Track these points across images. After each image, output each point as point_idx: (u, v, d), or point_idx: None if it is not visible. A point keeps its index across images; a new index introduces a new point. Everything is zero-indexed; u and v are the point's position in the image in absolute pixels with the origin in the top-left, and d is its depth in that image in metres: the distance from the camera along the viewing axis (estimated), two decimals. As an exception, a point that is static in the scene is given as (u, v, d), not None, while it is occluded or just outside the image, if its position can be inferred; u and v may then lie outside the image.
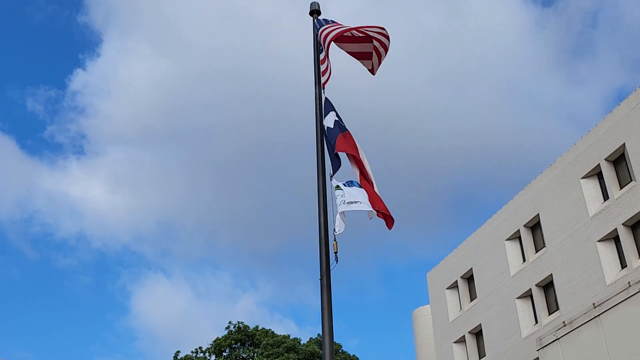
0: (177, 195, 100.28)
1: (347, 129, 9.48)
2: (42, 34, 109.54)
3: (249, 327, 46.46)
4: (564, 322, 18.68)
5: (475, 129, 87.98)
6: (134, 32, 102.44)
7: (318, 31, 10.56)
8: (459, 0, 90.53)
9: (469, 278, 37.99)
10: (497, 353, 34.01)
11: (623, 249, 28.09)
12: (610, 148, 29.24)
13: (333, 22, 10.65)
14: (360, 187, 8.94)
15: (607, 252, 28.93)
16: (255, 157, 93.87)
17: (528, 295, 33.19)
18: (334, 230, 8.67)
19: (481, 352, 35.90)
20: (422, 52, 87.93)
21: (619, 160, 29.41)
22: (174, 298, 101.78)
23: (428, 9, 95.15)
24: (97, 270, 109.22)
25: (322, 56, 10.51)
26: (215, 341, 45.93)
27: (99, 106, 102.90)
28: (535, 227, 33.73)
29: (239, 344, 46.15)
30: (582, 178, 30.63)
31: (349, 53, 10.63)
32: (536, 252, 33.20)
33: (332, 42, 10.25)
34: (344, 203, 8.63)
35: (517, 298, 33.37)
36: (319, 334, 46.80)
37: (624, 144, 28.58)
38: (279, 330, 49.06)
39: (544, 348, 19.18)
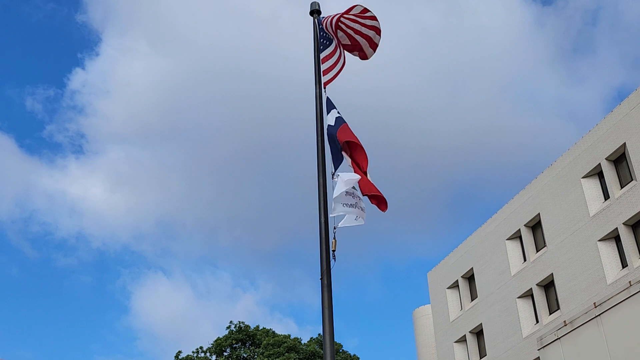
0: (176, 194, 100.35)
1: (345, 122, 9.48)
2: (40, 33, 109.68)
3: (249, 326, 46.43)
4: (564, 321, 18.66)
5: (475, 128, 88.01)
6: (133, 31, 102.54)
7: (322, 25, 10.57)
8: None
9: (470, 277, 37.98)
10: (497, 353, 34.00)
11: (624, 248, 28.08)
12: (611, 147, 29.22)
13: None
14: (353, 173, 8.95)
15: (608, 251, 28.92)
16: (255, 156, 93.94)
17: (529, 294, 33.18)
18: (334, 227, 8.67)
19: (482, 352, 35.89)
20: (422, 51, 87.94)
21: (619, 159, 29.40)
22: (174, 297, 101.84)
23: (427, 8, 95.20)
24: (97, 269, 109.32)
25: (325, 54, 10.47)
26: (216, 341, 45.90)
27: (97, 105, 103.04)
28: (536, 226, 33.72)
29: (239, 343, 46.13)
30: (582, 177, 30.62)
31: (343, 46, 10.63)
32: (537, 251, 33.19)
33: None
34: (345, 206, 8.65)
35: (518, 298, 33.36)
36: (319, 334, 46.78)
37: (625, 143, 28.57)
38: (279, 330, 49.09)
39: (545, 348, 19.16)
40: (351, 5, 10.39)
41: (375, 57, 10.73)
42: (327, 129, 9.55)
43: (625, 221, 28.11)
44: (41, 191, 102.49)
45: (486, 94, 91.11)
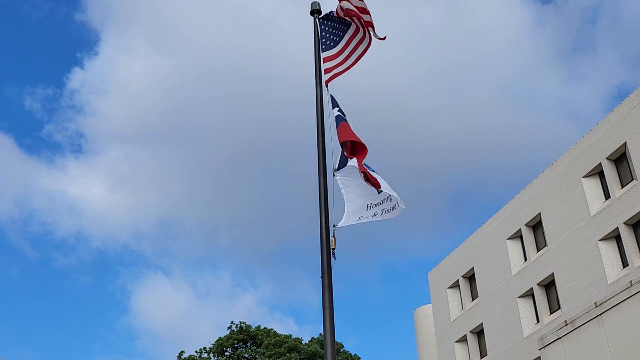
0: (176, 193, 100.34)
1: (344, 120, 9.48)
2: (39, 32, 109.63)
3: (251, 326, 46.45)
4: (565, 321, 18.65)
5: (475, 128, 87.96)
6: (132, 30, 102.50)
7: (336, 15, 10.59)
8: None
9: (471, 277, 37.97)
10: (498, 352, 34.00)
11: (624, 248, 28.08)
12: (612, 147, 29.22)
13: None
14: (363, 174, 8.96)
15: (609, 251, 28.92)
16: (255, 156, 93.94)
17: (529, 294, 33.18)
18: (334, 225, 8.67)
19: (483, 352, 35.89)
20: (421, 51, 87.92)
21: (620, 159, 29.39)
22: (174, 297, 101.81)
23: (427, 7, 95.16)
24: (97, 269, 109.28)
25: (329, 54, 10.45)
26: (217, 341, 45.93)
27: (97, 105, 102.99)
28: (536, 226, 33.72)
29: (241, 343, 46.15)
30: (583, 177, 30.61)
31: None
32: (537, 251, 33.19)
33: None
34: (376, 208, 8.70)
35: (519, 297, 33.36)
36: (320, 334, 46.79)
37: (625, 143, 28.57)
38: (279, 329, 49.00)
39: (546, 347, 19.16)
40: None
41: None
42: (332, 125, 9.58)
43: (626, 221, 28.10)
44: (41, 191, 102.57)
45: (486, 93, 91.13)
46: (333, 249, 8.51)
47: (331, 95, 9.95)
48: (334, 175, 9.14)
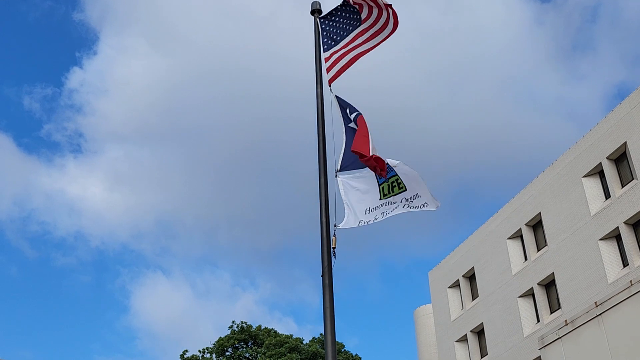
0: (176, 193, 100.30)
1: (355, 127, 9.43)
2: (38, 31, 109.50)
3: (252, 326, 46.46)
4: (565, 320, 18.66)
5: (474, 127, 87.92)
6: (131, 30, 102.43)
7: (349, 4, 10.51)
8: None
9: (471, 277, 37.98)
10: (499, 352, 34.01)
11: (625, 247, 28.08)
12: (612, 147, 29.23)
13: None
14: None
15: (609, 250, 28.92)
16: (254, 155, 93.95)
17: (530, 294, 33.19)
18: (334, 225, 8.67)
19: (483, 351, 35.90)
20: (420, 50, 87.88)
21: (620, 158, 29.40)
22: (174, 297, 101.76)
23: (426, 6, 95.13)
24: (96, 269, 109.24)
25: (332, 52, 10.42)
26: (218, 341, 45.94)
27: (96, 104, 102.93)
28: (536, 225, 33.72)
29: (242, 343, 46.16)
30: (583, 177, 30.62)
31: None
32: (538, 250, 33.19)
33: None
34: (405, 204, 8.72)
35: (519, 297, 33.36)
36: (321, 334, 46.79)
37: (626, 142, 28.57)
38: (279, 329, 49.01)
39: (546, 347, 19.17)
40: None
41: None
42: (348, 127, 9.53)
43: (626, 220, 28.11)
44: (40, 190, 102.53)
45: (486, 93, 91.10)
46: (333, 248, 8.51)
47: (336, 96, 9.90)
48: (336, 175, 9.14)
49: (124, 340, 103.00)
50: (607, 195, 29.66)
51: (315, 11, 10.93)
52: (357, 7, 10.51)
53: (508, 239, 34.94)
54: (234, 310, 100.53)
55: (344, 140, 9.43)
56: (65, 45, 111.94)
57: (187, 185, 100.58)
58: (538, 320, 32.44)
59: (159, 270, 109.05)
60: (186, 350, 46.22)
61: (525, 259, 33.91)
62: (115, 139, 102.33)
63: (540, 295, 32.35)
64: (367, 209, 8.93)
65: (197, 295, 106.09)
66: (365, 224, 8.82)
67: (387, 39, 10.35)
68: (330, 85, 10.07)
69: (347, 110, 9.61)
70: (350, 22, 10.57)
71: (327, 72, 10.22)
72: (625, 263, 28.36)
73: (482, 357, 35.81)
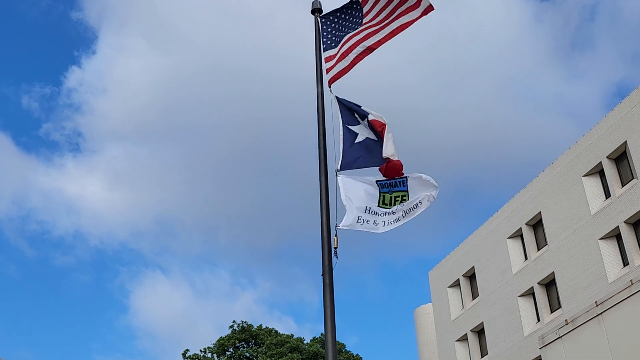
0: (175, 192, 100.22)
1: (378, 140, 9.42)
2: (36, 30, 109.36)
3: (252, 326, 46.48)
4: (566, 320, 18.66)
5: (474, 126, 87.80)
6: (130, 29, 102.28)
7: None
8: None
9: (471, 276, 37.99)
10: (499, 351, 34.02)
11: (625, 246, 28.09)
12: (612, 146, 29.23)
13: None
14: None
15: (609, 250, 28.93)
16: (254, 154, 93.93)
17: (530, 293, 33.19)
18: (336, 225, 8.66)
19: (483, 351, 35.91)
20: (419, 49, 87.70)
21: (620, 158, 29.41)
22: (173, 296, 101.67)
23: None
24: (95, 268, 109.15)
25: (331, 53, 10.40)
26: (219, 340, 45.95)
27: (94, 104, 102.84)
28: (537, 225, 33.73)
29: (242, 343, 46.18)
30: (583, 176, 30.62)
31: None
32: (538, 250, 33.20)
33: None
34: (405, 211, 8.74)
35: (519, 296, 33.37)
36: (322, 333, 46.80)
37: (626, 141, 28.58)
38: (278, 328, 49.02)
39: (547, 346, 19.17)
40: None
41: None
42: (342, 126, 9.52)
43: (627, 219, 28.11)
44: (38, 189, 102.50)
45: (485, 92, 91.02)
46: (335, 247, 8.50)
47: (337, 97, 9.87)
48: (336, 175, 9.13)
49: (124, 340, 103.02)
50: (608, 194, 29.66)
51: (316, 10, 10.93)
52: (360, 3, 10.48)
53: (508, 238, 34.95)
54: (233, 310, 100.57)
55: (342, 140, 9.42)
56: (63, 44, 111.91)
57: (187, 185, 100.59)
58: (538, 320, 32.45)
59: (158, 269, 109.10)
60: (187, 350, 46.28)
61: (526, 258, 33.92)
62: (114, 138, 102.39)
63: (541, 294, 32.36)
64: (367, 208, 8.90)
65: (197, 294, 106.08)
66: (365, 222, 8.78)
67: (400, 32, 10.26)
68: (330, 86, 10.06)
69: (355, 114, 9.58)
70: (351, 23, 10.55)
71: (327, 73, 10.20)
72: (625, 262, 28.37)
73: (482, 357, 35.82)
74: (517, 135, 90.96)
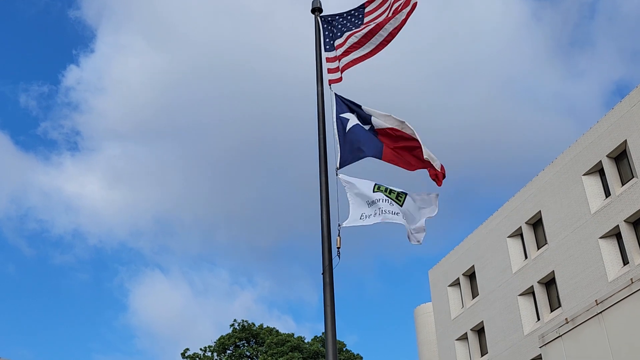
0: (174, 190, 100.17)
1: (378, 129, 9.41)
2: (34, 29, 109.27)
3: (254, 325, 46.47)
4: (566, 319, 18.67)
5: (474, 125, 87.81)
6: (128, 27, 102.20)
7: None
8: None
9: (471, 275, 38.00)
10: (499, 350, 34.03)
11: (625, 245, 28.10)
12: (612, 145, 29.24)
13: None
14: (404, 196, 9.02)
15: (609, 248, 28.94)
16: (253, 153, 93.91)
17: (530, 292, 33.21)
18: (339, 225, 8.64)
19: (483, 350, 35.92)
20: (419, 49, 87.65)
21: (620, 156, 29.41)
22: (172, 295, 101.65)
23: (423, 4, 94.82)
24: (94, 267, 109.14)
25: (331, 54, 10.40)
26: (219, 339, 45.95)
27: (93, 102, 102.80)
28: (537, 224, 33.73)
29: (243, 342, 46.19)
30: (583, 175, 30.62)
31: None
32: (538, 249, 33.21)
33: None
34: (389, 213, 8.71)
35: (519, 295, 33.38)
36: (323, 332, 46.80)
37: (626, 140, 28.58)
38: (277, 327, 49.04)
39: (547, 345, 19.17)
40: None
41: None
42: (346, 124, 9.51)
43: (627, 218, 28.12)
44: (37, 188, 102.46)
45: (485, 91, 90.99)
46: (338, 247, 8.49)
47: (336, 94, 9.87)
48: (336, 174, 9.13)
49: (123, 339, 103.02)
50: (607, 193, 29.66)
51: (316, 9, 10.93)
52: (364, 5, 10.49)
53: (508, 237, 34.96)
54: (233, 309, 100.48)
55: (336, 133, 9.42)
56: (62, 42, 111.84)
57: (186, 183, 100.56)
58: (538, 319, 32.46)
59: (157, 268, 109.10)
60: (187, 349, 46.26)
61: (526, 257, 33.93)
62: (113, 136, 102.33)
63: (541, 293, 32.37)
64: (369, 201, 8.91)
65: (196, 293, 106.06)
66: (367, 217, 8.78)
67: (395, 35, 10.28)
68: (330, 86, 10.06)
69: (361, 116, 9.58)
70: (352, 25, 10.55)
71: (329, 74, 10.20)
72: (625, 261, 28.38)
73: (482, 356, 35.83)
74: (516, 134, 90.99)
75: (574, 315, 18.52)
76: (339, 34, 10.53)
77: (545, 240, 32.64)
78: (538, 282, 32.48)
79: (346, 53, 10.25)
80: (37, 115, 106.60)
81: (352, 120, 9.48)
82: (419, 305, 49.98)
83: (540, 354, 22.40)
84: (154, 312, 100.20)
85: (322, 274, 8.43)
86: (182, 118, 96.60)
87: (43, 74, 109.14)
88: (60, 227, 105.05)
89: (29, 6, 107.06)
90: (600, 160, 29.79)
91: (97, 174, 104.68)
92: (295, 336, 45.66)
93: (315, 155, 9.52)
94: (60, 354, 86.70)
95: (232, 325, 46.40)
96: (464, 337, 37.54)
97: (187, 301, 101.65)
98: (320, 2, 10.99)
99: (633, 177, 28.34)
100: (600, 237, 29.16)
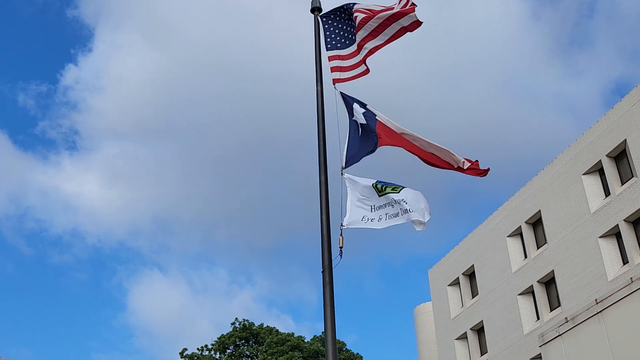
0: (172, 189, 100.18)
1: (376, 120, 9.42)
2: (32, 28, 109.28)
3: (254, 324, 46.46)
4: (566, 318, 18.68)
5: (473, 125, 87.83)
6: (126, 26, 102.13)
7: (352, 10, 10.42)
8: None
9: (471, 275, 38.00)
10: (498, 349, 34.04)
11: (625, 245, 28.10)
12: (612, 144, 29.24)
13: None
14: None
15: (609, 248, 28.94)
16: (251, 152, 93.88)
17: (530, 291, 33.21)
18: (341, 224, 8.63)
19: (483, 349, 35.92)
20: (418, 48, 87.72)
21: (620, 156, 29.41)
22: (171, 294, 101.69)
23: (422, 3, 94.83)
24: (93, 266, 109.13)
25: (341, 53, 10.36)
26: (219, 338, 45.94)
27: (91, 101, 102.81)
28: (536, 223, 33.74)
29: (243, 341, 46.18)
30: (583, 174, 30.62)
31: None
32: (538, 248, 33.21)
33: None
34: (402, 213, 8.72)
35: (519, 294, 33.39)
36: (323, 332, 46.80)
37: (625, 140, 28.58)
38: (277, 327, 49.05)
39: (547, 344, 19.19)
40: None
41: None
42: (358, 124, 9.51)
43: (626, 218, 28.12)
44: (35, 187, 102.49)
45: (484, 90, 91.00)
46: (341, 247, 8.49)
47: (342, 93, 9.85)
48: (342, 174, 9.11)
49: (121, 338, 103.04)
50: (607, 192, 29.67)
51: (316, 9, 10.92)
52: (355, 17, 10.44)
53: (508, 236, 34.96)
54: (232, 308, 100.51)
55: (348, 133, 9.45)
56: (60, 42, 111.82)
57: (184, 182, 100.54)
58: (538, 318, 32.46)
59: (156, 267, 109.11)
60: (185, 349, 46.23)
61: (525, 256, 33.93)
62: (111, 136, 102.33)
63: (540, 292, 32.37)
64: (373, 207, 8.90)
65: (194, 292, 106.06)
66: (370, 221, 8.78)
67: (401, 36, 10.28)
68: (334, 84, 10.04)
69: (366, 115, 9.58)
70: (353, 25, 10.51)
71: (332, 72, 10.18)
72: (625, 260, 28.38)
73: (482, 355, 35.83)
74: (516, 133, 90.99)
75: (574, 314, 18.53)
76: (343, 33, 10.50)
77: (545, 240, 32.64)
78: (538, 281, 32.49)
79: (352, 57, 10.24)
80: (36, 114, 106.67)
81: (359, 118, 9.48)
82: (418, 304, 50.01)
83: (540, 353, 22.42)
84: (153, 312, 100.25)
85: (322, 272, 8.44)
86: (181, 117, 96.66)
87: (41, 73, 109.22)
88: (58, 226, 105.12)
89: (27, 5, 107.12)
90: (600, 160, 29.79)
91: (95, 173, 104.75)
92: (295, 335, 45.66)
93: (315, 155, 9.52)
94: (59, 353, 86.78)
95: (234, 324, 46.39)
96: (463, 337, 37.55)
97: (186, 300, 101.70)
98: (319, 1, 10.98)
99: (633, 176, 28.34)
100: (600, 237, 29.16)
